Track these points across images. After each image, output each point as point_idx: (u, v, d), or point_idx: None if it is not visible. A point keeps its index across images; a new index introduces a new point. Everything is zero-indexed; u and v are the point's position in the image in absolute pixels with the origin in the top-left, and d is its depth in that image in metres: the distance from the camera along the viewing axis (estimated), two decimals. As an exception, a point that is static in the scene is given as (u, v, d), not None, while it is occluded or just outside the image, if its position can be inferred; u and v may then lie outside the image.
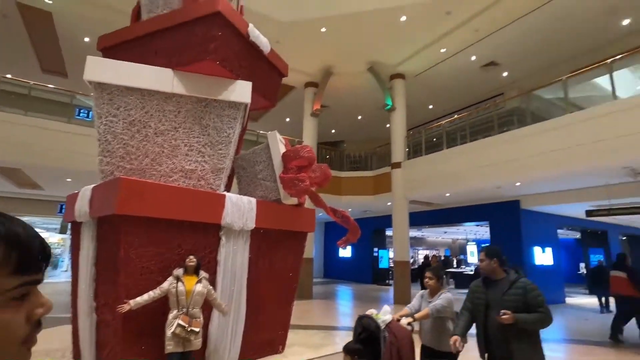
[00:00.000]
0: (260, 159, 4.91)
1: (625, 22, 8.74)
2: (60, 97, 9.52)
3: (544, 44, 9.62)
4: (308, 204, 5.58)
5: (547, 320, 2.39)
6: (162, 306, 3.35)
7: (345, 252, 17.41)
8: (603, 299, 9.42)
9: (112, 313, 3.34)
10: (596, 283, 9.47)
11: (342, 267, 17.39)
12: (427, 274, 3.10)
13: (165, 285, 3.22)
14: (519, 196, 10.26)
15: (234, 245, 4.08)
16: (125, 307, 3.03)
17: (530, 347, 2.42)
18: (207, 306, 3.53)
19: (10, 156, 7.19)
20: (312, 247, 11.10)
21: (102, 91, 3.90)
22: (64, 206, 7.58)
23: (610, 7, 8.18)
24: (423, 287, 7.67)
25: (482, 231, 16.27)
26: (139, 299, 3.12)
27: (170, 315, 3.21)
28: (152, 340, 3.33)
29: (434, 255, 13.16)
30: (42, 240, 0.51)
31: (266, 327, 4.55)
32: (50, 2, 8.27)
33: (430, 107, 13.67)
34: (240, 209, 4.13)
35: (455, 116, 11.10)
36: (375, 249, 16.07)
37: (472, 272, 13.81)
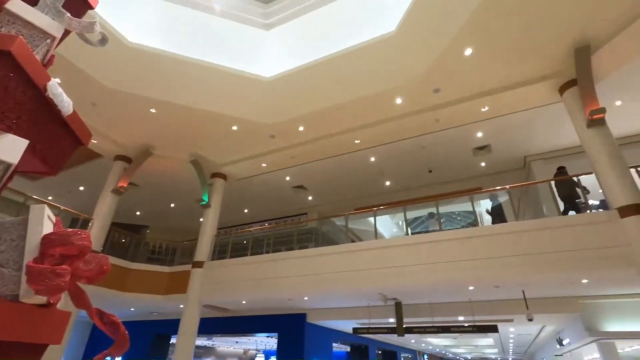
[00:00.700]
0: (6, 237, 3.68)
1: (387, 183, 12.19)
2: None
3: (339, 183, 12.14)
4: (67, 303, 4.35)
5: None
6: None
7: (111, 365, 13.79)
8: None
9: None
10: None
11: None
12: None
13: None
14: (306, 310, 11.13)
15: None
16: None
17: None
18: None
19: None
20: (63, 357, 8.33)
21: None
22: None
23: (379, 172, 11.34)
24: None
25: (273, 342, 16.35)
26: None
27: None
28: None
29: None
30: None
31: None
32: None
33: (245, 211, 14.30)
34: None
35: (266, 224, 11.90)
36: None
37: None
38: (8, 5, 3.82)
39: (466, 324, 9.43)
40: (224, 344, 18.72)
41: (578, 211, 7.20)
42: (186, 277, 9.98)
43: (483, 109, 8.40)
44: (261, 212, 14.22)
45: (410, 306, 9.67)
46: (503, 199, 8.76)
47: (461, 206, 11.25)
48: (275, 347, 18.10)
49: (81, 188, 12.72)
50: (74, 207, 10.55)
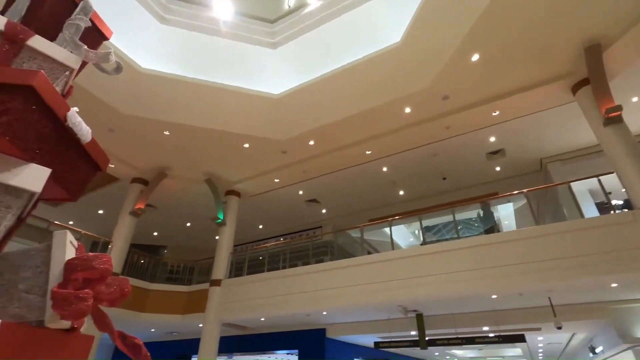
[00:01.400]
0: (30, 264, 3.79)
1: (401, 192, 12.09)
2: None
3: (352, 195, 12.10)
4: (89, 326, 4.43)
5: None
6: None
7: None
8: None
9: None
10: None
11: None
12: None
13: None
14: (325, 325, 10.97)
15: None
16: None
17: None
18: None
19: None
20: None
21: None
22: None
23: (392, 181, 11.27)
24: None
25: (293, 359, 16.13)
26: None
27: None
28: None
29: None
30: None
31: None
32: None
33: (260, 227, 14.35)
34: (-36, 336, 2.87)
35: (281, 239, 11.90)
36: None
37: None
38: (29, 42, 4.01)
39: (491, 334, 9.12)
40: (245, 362, 18.50)
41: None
42: (204, 295, 10.01)
43: (494, 114, 8.32)
44: (276, 227, 14.26)
45: (432, 317, 9.43)
46: (520, 203, 8.56)
47: (475, 213, 11.05)
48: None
49: (100, 211, 13.03)
50: (94, 230, 10.80)
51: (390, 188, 11.88)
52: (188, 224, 14.10)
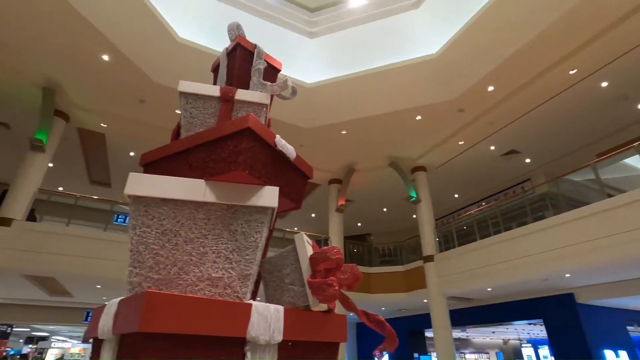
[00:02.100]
0: (287, 262, 4.79)
1: (640, 106, 8.91)
2: (101, 204, 10.22)
3: (562, 131, 9.80)
4: (339, 308, 5.24)
5: None
6: None
7: (384, 358, 15.53)
8: None
9: None
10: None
11: (379, 378, 15.29)
12: None
13: None
14: (571, 289, 9.24)
15: (260, 362, 3.71)
16: None
17: None
18: None
19: (47, 265, 7.42)
20: (344, 354, 10.02)
21: (139, 204, 4.11)
22: (90, 314, 7.48)
23: (621, 95, 8.45)
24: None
25: (537, 330, 14.37)
26: None
27: None
28: None
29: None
30: None
31: None
32: (105, 125, 9.50)
33: (456, 196, 13.57)
34: (266, 320, 3.86)
35: (484, 204, 10.85)
36: (416, 355, 14.27)
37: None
38: (237, 97, 5.05)
39: None
40: (479, 334, 17.85)
41: None
42: (421, 272, 10.23)
43: None
44: (473, 192, 13.15)
45: None
46: None
47: None
48: (541, 335, 15.79)
49: (312, 215, 15.40)
50: (312, 231, 12.85)
51: (620, 106, 8.93)
52: (384, 209, 14.84)
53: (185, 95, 5.72)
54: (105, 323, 3.53)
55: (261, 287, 5.01)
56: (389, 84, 8.39)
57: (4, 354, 11.74)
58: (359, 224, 16.32)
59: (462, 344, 19.16)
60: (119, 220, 11.75)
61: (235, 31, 3.24)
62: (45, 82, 8.06)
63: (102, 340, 3.73)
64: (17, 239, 7.24)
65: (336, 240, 11.14)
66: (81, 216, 9.23)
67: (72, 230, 7.95)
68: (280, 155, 5.30)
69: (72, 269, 7.55)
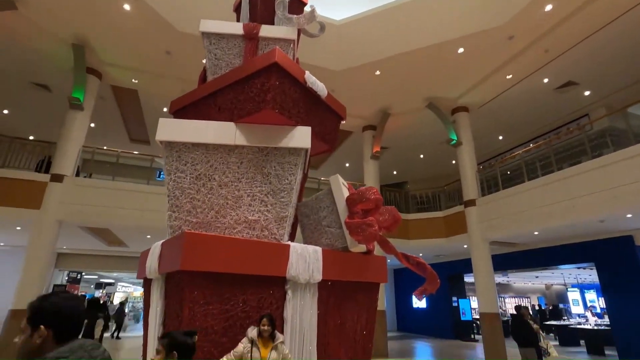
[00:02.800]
0: (323, 205, 4.68)
1: None
2: (142, 162, 10.60)
3: (627, 58, 8.50)
4: (377, 250, 5.16)
5: None
6: (227, 372, 3.07)
7: (421, 303, 15.89)
8: None
9: (178, 378, 3.13)
10: None
11: (417, 320, 15.80)
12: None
13: (240, 348, 2.95)
14: (631, 230, 8.56)
15: (301, 300, 3.74)
16: None
17: None
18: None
19: (100, 217, 7.93)
20: (383, 298, 10.25)
21: (171, 149, 4.08)
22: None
23: None
24: (523, 344, 6.41)
25: (585, 274, 13.83)
26: None
27: None
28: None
29: (524, 307, 11.29)
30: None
31: (341, 397, 3.98)
32: (136, 81, 9.52)
33: (500, 138, 12.65)
34: (305, 260, 3.83)
35: (531, 145, 10.00)
36: (454, 299, 14.40)
37: (581, 325, 11.48)
38: (261, 33, 4.67)
39: None
40: (521, 279, 17.60)
41: None
42: (461, 217, 9.90)
43: None
44: (520, 133, 12.15)
45: None
46: None
47: None
48: (589, 279, 15.25)
49: (347, 164, 15.17)
50: (347, 180, 12.67)
51: None
52: (421, 156, 14.26)
53: (207, 35, 5.34)
54: (151, 264, 3.61)
55: (299, 230, 4.91)
56: (427, 13, 7.51)
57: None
58: (395, 172, 15.93)
59: (503, 289, 19.07)
60: (161, 176, 12.21)
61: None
62: (74, 39, 8.04)
63: (151, 280, 3.86)
64: (70, 193, 7.72)
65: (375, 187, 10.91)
66: (125, 174, 9.65)
67: (120, 184, 8.33)
68: (311, 93, 4.93)
69: (123, 220, 8.02)
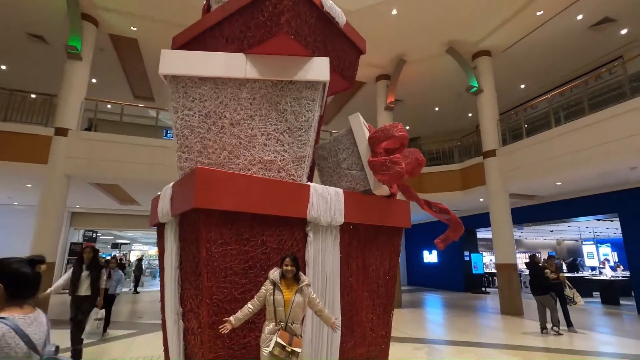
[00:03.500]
0: (343, 146, 4.35)
1: None
2: (147, 120, 10.27)
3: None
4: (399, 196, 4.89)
5: None
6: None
7: (431, 257, 16.00)
8: None
9: (198, 320, 3.00)
10: None
11: (428, 274, 15.99)
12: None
13: (262, 291, 2.78)
14: (661, 179, 8.14)
15: (323, 243, 3.53)
16: (228, 327, 2.63)
17: None
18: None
19: (108, 172, 7.74)
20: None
21: (177, 84, 3.72)
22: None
23: None
24: (538, 291, 6.31)
25: (602, 228, 13.59)
26: (239, 314, 2.69)
27: (267, 330, 2.73)
28: (245, 353, 2.92)
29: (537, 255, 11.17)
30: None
31: (364, 341, 3.89)
32: (135, 29, 8.93)
33: (522, 86, 11.91)
34: (327, 201, 3.58)
35: (556, 92, 9.31)
36: (466, 253, 14.41)
37: (597, 277, 11.39)
38: None
39: None
40: (533, 235, 17.48)
41: None
42: (479, 169, 9.54)
43: None
44: (545, 80, 11.38)
45: None
46: None
47: None
48: (604, 233, 15.06)
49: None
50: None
51: None
52: (436, 109, 13.63)
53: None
54: (163, 206, 3.34)
55: (316, 174, 4.57)
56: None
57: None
58: (407, 127, 15.36)
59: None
60: (168, 135, 11.91)
61: None
62: (64, -20, 7.42)
63: (164, 225, 3.61)
64: (76, 147, 7.50)
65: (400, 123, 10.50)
66: (131, 132, 9.35)
67: (127, 138, 8.05)
68: (328, 20, 4.35)
69: (132, 175, 7.84)
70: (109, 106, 11.05)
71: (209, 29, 4.17)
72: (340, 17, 4.18)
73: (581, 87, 8.15)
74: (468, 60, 9.78)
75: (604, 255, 14.69)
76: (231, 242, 3.01)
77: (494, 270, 17.22)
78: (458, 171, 10.53)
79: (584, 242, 16.14)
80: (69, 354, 4.26)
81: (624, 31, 9.08)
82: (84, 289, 4.62)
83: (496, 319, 7.86)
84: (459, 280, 14.26)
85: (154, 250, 22.00)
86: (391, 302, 4.26)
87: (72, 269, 4.71)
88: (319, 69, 3.88)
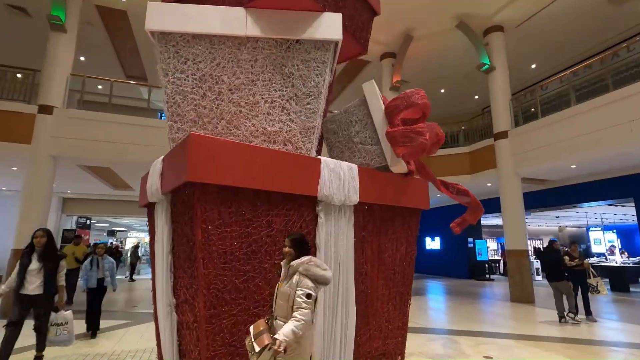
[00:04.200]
0: (355, 118, 3.89)
1: None
2: (140, 102, 9.71)
3: None
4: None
5: None
6: (255, 305, 2.54)
7: (434, 244, 15.70)
8: None
9: (193, 313, 2.59)
10: None
11: (430, 261, 15.71)
12: None
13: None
14: (682, 160, 7.75)
15: (336, 225, 3.11)
16: (282, 346, 1.89)
17: None
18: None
19: (98, 154, 7.24)
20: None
21: (166, 43, 3.22)
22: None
23: None
24: (554, 278, 5.96)
25: (610, 214, 13.29)
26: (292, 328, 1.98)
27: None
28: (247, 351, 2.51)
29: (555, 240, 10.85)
30: None
31: (380, 334, 3.51)
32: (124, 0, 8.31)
33: (533, 66, 11.39)
34: (340, 178, 3.14)
35: (575, 68, 8.81)
36: (470, 240, 14.11)
37: (606, 263, 11.14)
38: None
39: None
40: (537, 221, 17.16)
41: None
42: (489, 152, 9.12)
43: None
44: (558, 59, 10.83)
45: None
46: None
47: None
48: (610, 220, 14.76)
49: (361, 102, 14.08)
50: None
51: None
52: (442, 90, 13.12)
53: None
54: (153, 183, 2.79)
55: (324, 151, 4.04)
56: None
57: (88, 242, 13.16)
58: (411, 111, 14.83)
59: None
60: (163, 117, 11.35)
61: None
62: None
63: (154, 205, 3.12)
64: (63, 127, 6.98)
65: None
66: (122, 114, 8.81)
67: (117, 117, 7.52)
68: None
69: (123, 157, 7.35)
70: (99, 87, 10.46)
71: (203, -19, 3.64)
72: (353, -31, 3.67)
73: (607, 61, 7.64)
74: (479, 36, 9.23)
75: (609, 241, 14.49)
76: (231, 222, 2.58)
77: (496, 257, 17.02)
78: (467, 154, 10.09)
79: (591, 229, 15.89)
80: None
81: (646, 4, 8.54)
82: (34, 287, 3.59)
83: (508, 307, 7.56)
84: (462, 267, 14.00)
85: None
86: (408, 290, 3.87)
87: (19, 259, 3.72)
88: (330, 26, 3.38)
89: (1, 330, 3.58)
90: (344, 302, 3.08)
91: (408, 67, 10.67)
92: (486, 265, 14.33)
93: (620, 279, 10.00)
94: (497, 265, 16.28)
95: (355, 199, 3.19)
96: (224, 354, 2.47)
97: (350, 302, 3.10)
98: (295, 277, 2.20)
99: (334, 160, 3.20)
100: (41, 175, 6.79)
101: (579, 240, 17.79)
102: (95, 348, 4.30)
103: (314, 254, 2.92)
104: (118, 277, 14.50)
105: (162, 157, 3.11)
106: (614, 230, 14.95)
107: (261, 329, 2.11)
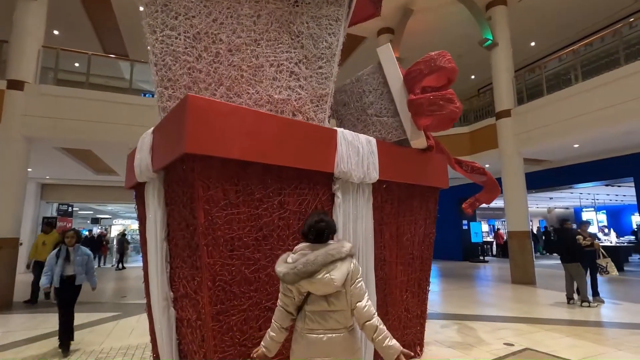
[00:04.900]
0: (369, 87, 3.49)
1: None
2: (121, 83, 8.99)
3: None
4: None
5: None
6: (268, 298, 2.18)
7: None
8: None
9: (196, 309, 2.22)
10: None
11: (424, 244, 15.62)
12: None
13: None
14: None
15: (354, 206, 2.75)
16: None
17: None
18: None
19: (76, 134, 6.63)
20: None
21: (153, -7, 2.72)
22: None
23: None
24: (566, 259, 5.80)
25: (603, 195, 13.36)
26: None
27: None
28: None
29: (568, 220, 10.82)
30: None
31: (399, 324, 3.22)
32: (100, -36, 7.55)
33: (533, 44, 11.08)
34: (358, 152, 2.76)
35: (580, 44, 8.51)
36: (465, 222, 14.04)
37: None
38: None
39: None
40: (531, 202, 17.22)
41: None
42: (490, 131, 8.86)
43: None
44: (558, 37, 10.52)
45: None
46: None
47: None
48: (601, 200, 14.92)
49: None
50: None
51: None
52: (438, 70, 12.72)
53: None
54: (142, 159, 2.31)
55: None
56: None
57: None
58: (406, 91, 14.46)
59: (503, 213, 18.92)
60: (147, 96, 10.64)
61: None
62: None
63: (144, 186, 2.62)
64: (35, 104, 6.35)
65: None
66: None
67: (97, 94, 6.90)
68: None
69: (105, 137, 6.78)
70: (76, 64, 9.67)
71: None
72: None
73: (617, 35, 7.35)
74: (482, 10, 8.82)
75: (600, 222, 14.69)
76: (238, 203, 2.18)
77: (489, 239, 17.11)
78: (467, 134, 9.81)
79: (583, 210, 16.06)
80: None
81: (653, -23, 8.26)
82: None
83: (510, 288, 7.45)
84: (456, 250, 13.97)
85: (137, 224, 20.98)
86: (427, 276, 3.58)
87: None
88: (345, -23, 2.95)
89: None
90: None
91: (405, 43, 10.17)
92: (479, 248, 14.39)
93: (616, 259, 10.07)
94: (490, 247, 16.37)
95: (375, 176, 2.83)
96: (235, 355, 2.11)
97: (371, 292, 2.78)
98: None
99: (351, 132, 2.82)
100: (14, 158, 6.19)
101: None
102: (81, 344, 3.91)
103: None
104: (106, 265, 13.98)
105: (153, 128, 2.67)
106: (604, 211, 15.15)
107: None
